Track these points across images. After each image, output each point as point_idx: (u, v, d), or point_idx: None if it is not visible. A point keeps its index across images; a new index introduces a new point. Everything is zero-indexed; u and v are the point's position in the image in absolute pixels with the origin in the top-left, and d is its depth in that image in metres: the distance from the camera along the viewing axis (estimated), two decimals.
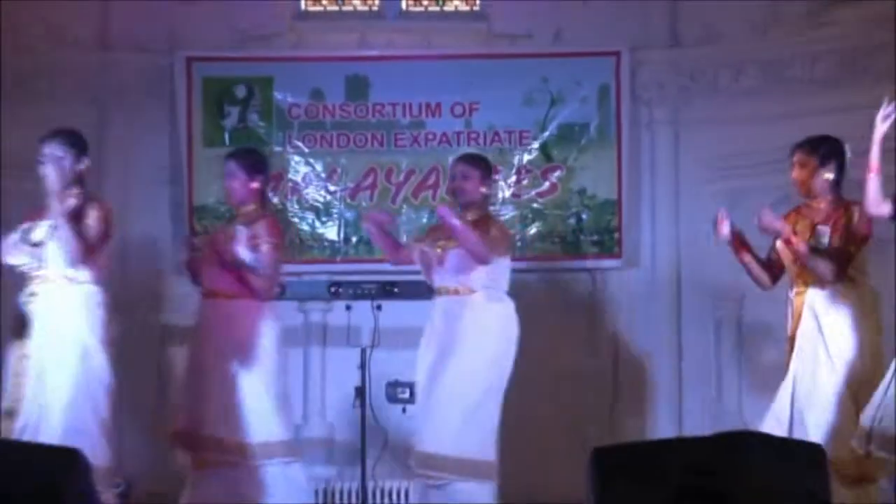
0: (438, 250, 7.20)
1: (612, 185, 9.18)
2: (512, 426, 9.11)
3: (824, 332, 6.52)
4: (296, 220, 9.22)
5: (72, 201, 6.55)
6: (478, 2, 9.62)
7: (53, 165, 6.61)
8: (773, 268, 6.90)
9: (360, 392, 7.93)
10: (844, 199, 6.70)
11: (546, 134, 9.23)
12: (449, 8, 9.68)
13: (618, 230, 9.19)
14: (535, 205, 9.25)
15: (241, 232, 6.66)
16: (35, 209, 6.80)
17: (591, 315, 9.29)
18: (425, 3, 9.67)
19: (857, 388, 6.42)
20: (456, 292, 7.14)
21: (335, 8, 9.69)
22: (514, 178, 9.25)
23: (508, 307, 7.18)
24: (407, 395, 8.00)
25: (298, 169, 9.22)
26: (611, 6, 9.29)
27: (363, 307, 8.13)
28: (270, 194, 9.11)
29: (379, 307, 8.09)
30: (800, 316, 6.61)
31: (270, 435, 6.77)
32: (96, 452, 6.22)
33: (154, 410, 8.64)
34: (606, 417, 9.17)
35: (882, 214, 6.18)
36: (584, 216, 9.23)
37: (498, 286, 7.19)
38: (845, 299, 6.54)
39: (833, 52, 8.79)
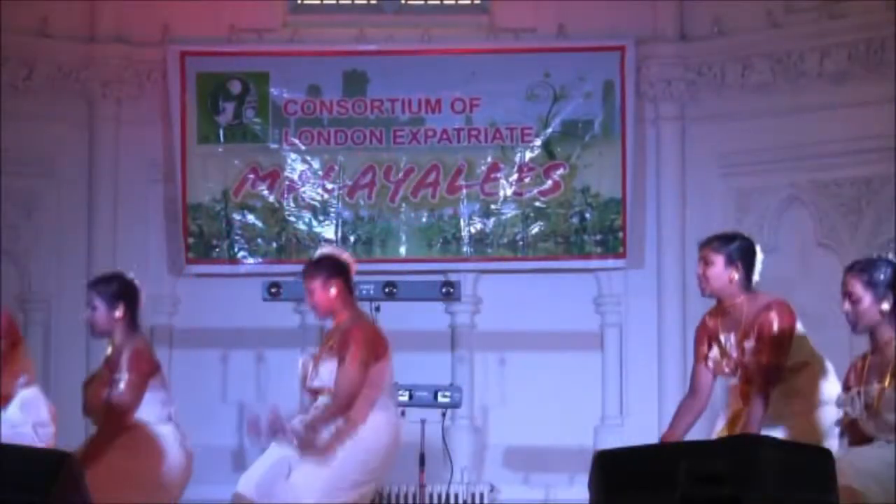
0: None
1: (617, 184, 9.08)
2: (514, 427, 9.09)
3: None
4: (292, 218, 9.14)
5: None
6: None
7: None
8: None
9: None
10: (758, 297, 6.27)
11: (549, 130, 9.13)
12: (449, 1, 9.58)
13: (622, 229, 9.08)
14: (537, 203, 9.14)
15: None
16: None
17: (594, 316, 9.18)
18: None
19: None
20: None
21: (332, 1, 9.59)
22: (515, 176, 9.15)
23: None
24: (407, 397, 7.93)
25: (295, 167, 9.14)
26: None
27: (362, 308, 8.00)
28: (267, 192, 9.05)
29: (378, 308, 7.98)
30: (735, 418, 6.17)
31: None
32: None
33: None
34: (611, 419, 9.10)
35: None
36: (587, 215, 9.13)
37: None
38: (786, 418, 5.95)
39: (843, 46, 8.68)
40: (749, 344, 6.03)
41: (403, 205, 9.13)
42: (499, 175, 9.06)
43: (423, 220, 9.08)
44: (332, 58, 9.18)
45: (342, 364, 5.90)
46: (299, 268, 8.73)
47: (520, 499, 8.92)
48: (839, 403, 5.56)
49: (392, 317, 7.96)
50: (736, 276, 6.10)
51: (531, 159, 9.15)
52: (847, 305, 5.64)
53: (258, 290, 8.30)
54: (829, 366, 6.01)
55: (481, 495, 8.81)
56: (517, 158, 9.14)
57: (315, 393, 6.08)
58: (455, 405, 8.43)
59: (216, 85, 9.11)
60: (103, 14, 9.17)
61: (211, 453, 8.92)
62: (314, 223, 9.15)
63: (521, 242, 9.08)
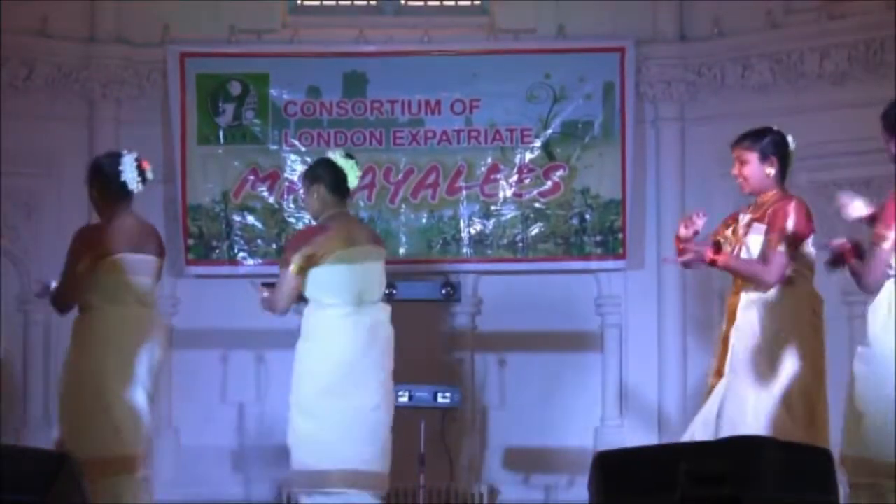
0: None
1: (617, 185, 9.07)
2: (514, 428, 9.09)
3: (757, 337, 6.22)
4: (292, 220, 9.13)
5: None
6: None
7: None
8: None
9: None
10: (788, 194, 6.44)
11: (549, 132, 9.12)
12: (449, 2, 9.57)
13: (622, 230, 9.08)
14: (537, 204, 9.14)
15: None
16: None
17: (594, 317, 9.16)
18: None
19: (792, 396, 6.12)
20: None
21: (332, 2, 9.58)
22: (515, 178, 9.14)
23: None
24: (406, 398, 7.92)
25: (295, 168, 9.10)
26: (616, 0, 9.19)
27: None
28: (267, 193, 9.05)
29: None
30: (732, 317, 6.38)
31: None
32: None
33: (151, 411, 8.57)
34: (610, 420, 9.08)
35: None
36: (587, 216, 9.12)
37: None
38: (778, 304, 6.22)
39: (843, 46, 8.67)
40: (758, 226, 6.24)
41: (403, 206, 9.12)
42: (498, 176, 9.07)
43: (423, 221, 9.08)
44: (331, 59, 9.17)
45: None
46: None
47: (519, 499, 8.92)
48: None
49: (392, 318, 7.94)
50: (772, 170, 6.32)
51: (531, 160, 9.13)
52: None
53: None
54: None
55: (481, 496, 8.81)
56: (517, 159, 9.13)
57: None
58: (455, 406, 8.43)
59: (216, 86, 9.10)
60: (103, 15, 9.16)
61: (211, 453, 8.95)
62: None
63: (520, 243, 9.07)
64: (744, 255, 6.34)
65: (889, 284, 5.66)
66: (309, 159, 9.06)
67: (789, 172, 6.43)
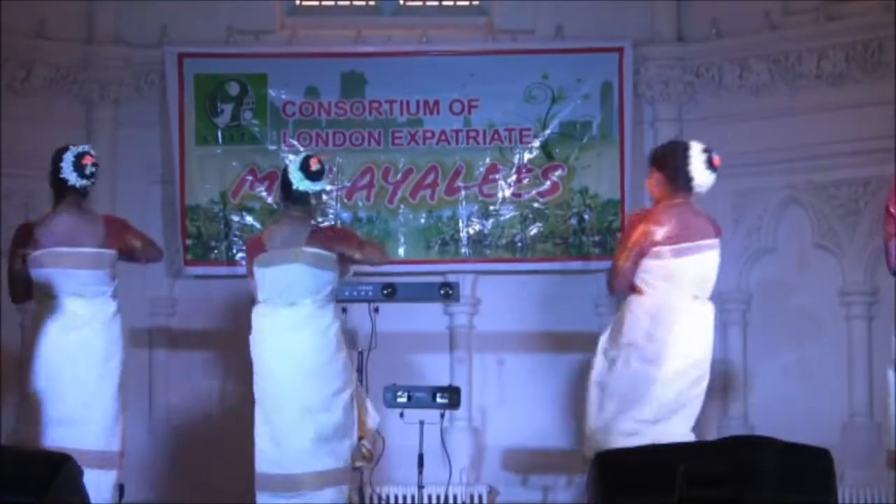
0: None
1: (615, 185, 9.08)
2: (513, 429, 9.09)
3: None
4: None
5: None
6: None
7: None
8: None
9: None
10: (648, 208, 6.81)
11: (547, 132, 9.12)
12: (447, 2, 9.57)
13: (621, 231, 9.02)
14: (535, 205, 9.14)
15: None
16: None
17: (593, 317, 9.13)
18: None
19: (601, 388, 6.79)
20: None
21: (330, 2, 9.58)
22: (514, 178, 9.14)
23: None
24: (405, 399, 7.91)
25: None
26: (614, 1, 9.19)
27: (360, 309, 8.00)
28: (265, 194, 9.05)
29: (376, 310, 7.95)
30: None
31: None
32: None
33: (150, 412, 8.74)
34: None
35: None
36: (586, 216, 9.13)
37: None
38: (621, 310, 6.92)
39: (841, 47, 8.66)
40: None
41: (402, 206, 9.11)
42: (497, 176, 9.07)
43: (422, 221, 9.07)
44: (330, 59, 9.17)
45: None
46: None
47: (518, 500, 8.91)
48: None
49: (390, 318, 7.98)
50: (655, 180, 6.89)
51: (529, 160, 9.14)
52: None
53: None
54: None
55: (480, 496, 8.80)
56: (515, 160, 9.13)
57: None
58: (453, 406, 8.43)
59: (214, 86, 9.10)
60: (101, 16, 9.16)
61: (210, 453, 8.94)
62: None
63: (519, 244, 9.08)
64: None
65: None
66: None
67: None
